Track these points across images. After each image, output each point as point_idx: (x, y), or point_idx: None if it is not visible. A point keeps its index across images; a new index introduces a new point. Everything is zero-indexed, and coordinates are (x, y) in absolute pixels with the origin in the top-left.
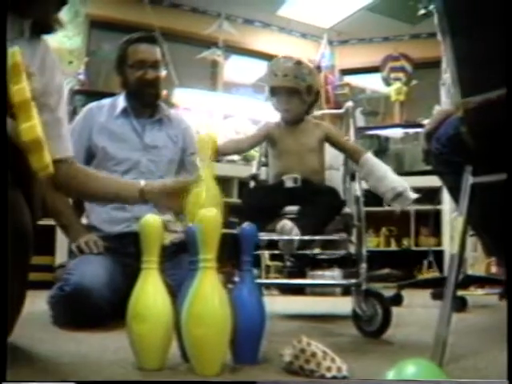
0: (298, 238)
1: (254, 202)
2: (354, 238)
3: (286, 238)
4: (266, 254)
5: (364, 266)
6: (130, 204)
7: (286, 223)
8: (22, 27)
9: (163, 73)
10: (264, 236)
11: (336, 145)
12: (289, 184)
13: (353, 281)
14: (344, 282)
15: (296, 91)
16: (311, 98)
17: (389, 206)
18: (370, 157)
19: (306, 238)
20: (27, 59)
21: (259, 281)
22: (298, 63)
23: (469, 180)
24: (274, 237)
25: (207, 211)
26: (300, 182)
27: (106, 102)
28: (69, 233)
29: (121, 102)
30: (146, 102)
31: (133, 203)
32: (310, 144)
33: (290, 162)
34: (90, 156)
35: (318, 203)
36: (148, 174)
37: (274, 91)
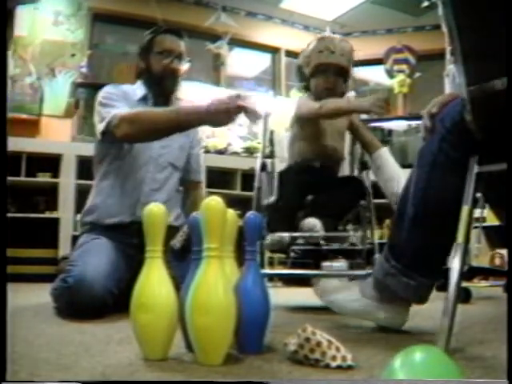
0: (321, 234)
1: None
2: (361, 230)
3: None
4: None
5: (378, 256)
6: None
7: (310, 221)
8: None
9: (185, 66)
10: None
11: (356, 132)
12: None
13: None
14: (364, 272)
15: (346, 72)
16: (347, 84)
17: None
18: (384, 152)
19: (330, 233)
20: None
21: (274, 272)
22: (351, 47)
23: (474, 169)
24: (301, 234)
25: (211, 199)
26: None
27: (122, 87)
28: None
29: (140, 89)
30: (165, 90)
31: None
32: (340, 128)
33: (320, 145)
34: None
35: (341, 192)
36: (158, 158)
37: (322, 68)
